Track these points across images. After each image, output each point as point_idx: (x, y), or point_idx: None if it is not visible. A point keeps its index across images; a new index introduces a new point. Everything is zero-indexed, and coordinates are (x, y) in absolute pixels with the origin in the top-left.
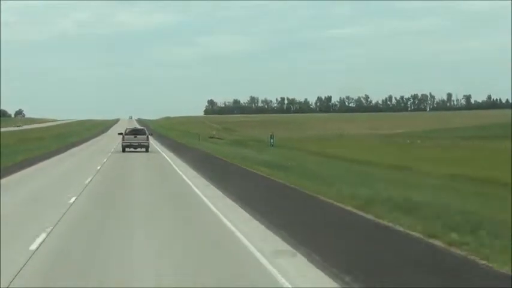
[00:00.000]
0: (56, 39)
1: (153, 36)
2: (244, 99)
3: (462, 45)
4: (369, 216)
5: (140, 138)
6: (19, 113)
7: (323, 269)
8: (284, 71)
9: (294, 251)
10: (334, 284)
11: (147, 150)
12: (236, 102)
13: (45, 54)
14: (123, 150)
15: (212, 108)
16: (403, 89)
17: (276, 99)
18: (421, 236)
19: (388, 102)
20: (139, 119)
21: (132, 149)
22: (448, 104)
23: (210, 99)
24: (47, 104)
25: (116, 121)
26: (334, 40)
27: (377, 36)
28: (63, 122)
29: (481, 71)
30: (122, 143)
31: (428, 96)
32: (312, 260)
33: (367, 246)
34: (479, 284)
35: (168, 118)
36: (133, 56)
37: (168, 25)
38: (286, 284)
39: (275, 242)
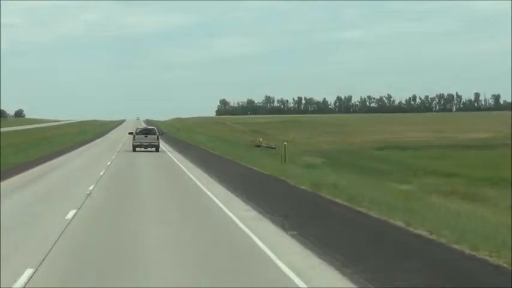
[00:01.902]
0: (64, 40)
1: (159, 37)
2: (258, 99)
3: (489, 45)
4: None
5: (151, 137)
6: (19, 113)
7: None
8: (300, 72)
9: None
10: None
11: (157, 150)
12: (250, 102)
13: (53, 56)
14: (134, 150)
15: (225, 108)
16: (426, 89)
17: (293, 99)
18: None
19: (412, 102)
20: (147, 119)
21: (142, 149)
22: (475, 104)
23: (222, 99)
24: (53, 105)
25: (121, 122)
26: (352, 41)
27: (396, 37)
28: (60, 123)
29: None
30: (133, 142)
31: (455, 95)
32: None
33: None
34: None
35: (179, 119)
36: (140, 57)
37: (172, 26)
38: None
39: None
